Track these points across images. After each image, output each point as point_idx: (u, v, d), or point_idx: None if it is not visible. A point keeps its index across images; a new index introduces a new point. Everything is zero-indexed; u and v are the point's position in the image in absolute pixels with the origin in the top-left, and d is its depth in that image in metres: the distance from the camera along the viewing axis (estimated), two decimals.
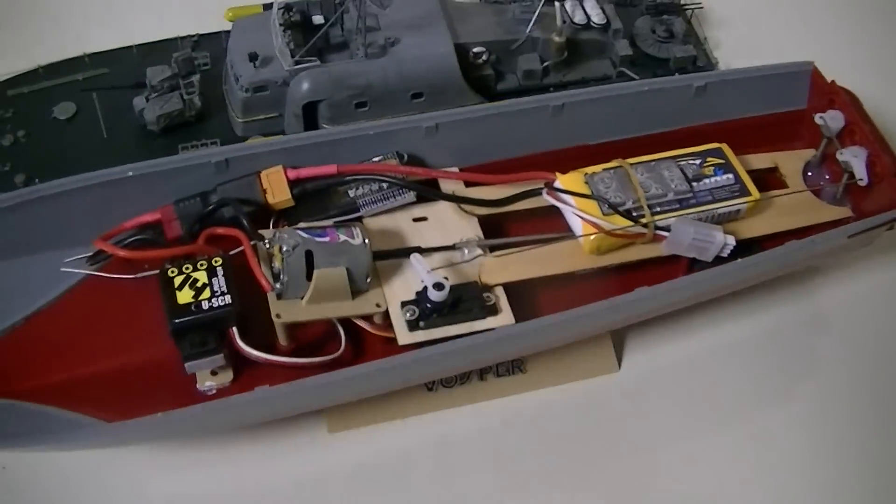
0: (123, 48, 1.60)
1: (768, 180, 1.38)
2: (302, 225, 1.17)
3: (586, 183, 1.25)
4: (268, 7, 1.56)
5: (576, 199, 1.24)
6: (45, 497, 1.20)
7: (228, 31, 1.57)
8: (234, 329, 1.13)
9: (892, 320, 1.41)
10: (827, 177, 1.39)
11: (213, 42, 1.62)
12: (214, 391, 1.16)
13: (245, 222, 1.19)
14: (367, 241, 1.15)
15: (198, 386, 1.16)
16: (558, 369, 1.29)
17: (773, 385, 1.33)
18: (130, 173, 1.21)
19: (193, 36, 1.62)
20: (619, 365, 1.32)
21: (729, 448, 1.27)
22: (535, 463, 1.25)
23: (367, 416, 1.24)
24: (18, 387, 1.15)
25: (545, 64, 1.55)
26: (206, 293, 1.13)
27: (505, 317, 1.18)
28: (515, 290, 1.21)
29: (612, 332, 1.32)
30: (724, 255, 1.24)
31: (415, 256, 1.18)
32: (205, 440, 1.24)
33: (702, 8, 1.73)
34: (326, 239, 1.14)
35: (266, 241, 1.17)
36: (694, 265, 1.26)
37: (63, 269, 1.22)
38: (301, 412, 1.21)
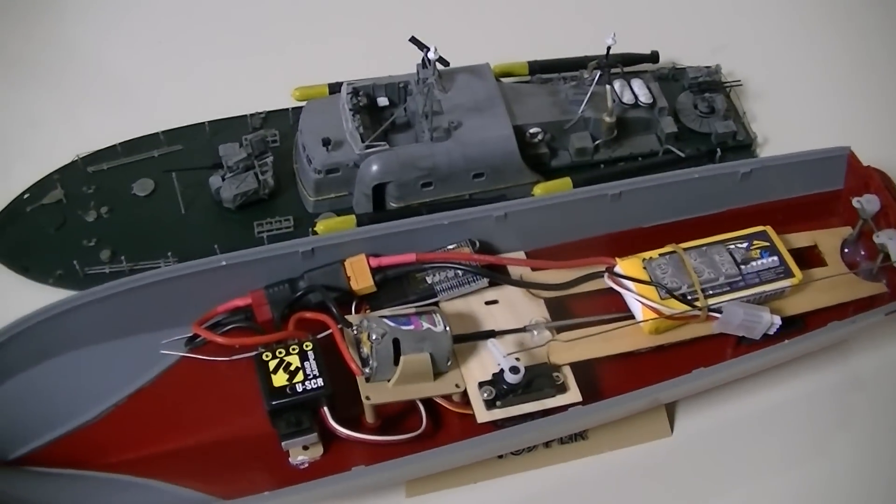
0: (196, 125, 1.70)
1: (808, 257, 1.48)
2: (386, 312, 1.27)
3: (644, 268, 1.36)
4: (334, 87, 1.65)
5: (635, 283, 1.34)
6: None
7: (295, 108, 1.67)
8: (326, 409, 1.23)
9: None
10: (863, 253, 1.48)
11: (281, 118, 1.71)
12: (307, 465, 1.25)
13: (333, 309, 1.29)
14: (447, 328, 1.25)
15: (290, 460, 1.25)
16: (617, 435, 1.39)
17: (812, 443, 1.42)
18: (224, 262, 1.31)
19: (262, 113, 1.72)
20: (672, 429, 1.42)
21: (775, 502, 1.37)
22: None
23: (442, 481, 1.33)
24: (119, 458, 1.25)
25: (596, 142, 1.65)
26: (300, 376, 1.22)
27: (573, 394, 1.27)
28: (580, 365, 1.31)
29: None
30: (771, 333, 1.34)
31: (491, 342, 1.28)
32: None
33: (741, 85, 1.82)
34: (411, 327, 1.24)
35: (354, 327, 1.27)
36: (741, 341, 1.37)
37: (162, 352, 1.32)
38: (387, 484, 1.32)
